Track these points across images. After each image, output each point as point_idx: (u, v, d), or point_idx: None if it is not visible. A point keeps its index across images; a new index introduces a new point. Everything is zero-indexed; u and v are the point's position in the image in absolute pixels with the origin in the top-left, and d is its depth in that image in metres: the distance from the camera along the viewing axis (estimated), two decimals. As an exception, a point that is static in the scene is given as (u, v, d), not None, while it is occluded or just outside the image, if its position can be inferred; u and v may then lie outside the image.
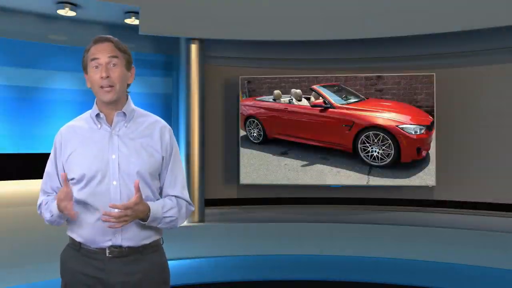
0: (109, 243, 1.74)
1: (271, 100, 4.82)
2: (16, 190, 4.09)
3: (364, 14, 4.38)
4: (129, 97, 1.85)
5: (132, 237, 1.75)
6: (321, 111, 4.71)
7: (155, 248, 1.83)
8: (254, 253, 4.55)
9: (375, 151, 4.60)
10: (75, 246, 1.79)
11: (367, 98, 4.68)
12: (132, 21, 4.42)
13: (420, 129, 4.53)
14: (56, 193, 1.82)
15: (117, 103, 1.79)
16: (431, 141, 4.55)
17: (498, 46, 4.49)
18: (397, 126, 4.53)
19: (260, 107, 4.84)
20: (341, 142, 4.69)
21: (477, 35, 4.40)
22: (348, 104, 4.67)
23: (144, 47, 4.84)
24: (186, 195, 1.88)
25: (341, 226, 4.64)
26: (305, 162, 4.79)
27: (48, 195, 1.86)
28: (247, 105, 4.85)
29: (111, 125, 1.79)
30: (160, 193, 1.87)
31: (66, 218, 1.79)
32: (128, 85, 1.83)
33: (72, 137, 1.81)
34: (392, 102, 4.62)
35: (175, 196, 1.85)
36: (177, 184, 1.86)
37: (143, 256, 1.78)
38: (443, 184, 4.66)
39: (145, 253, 1.79)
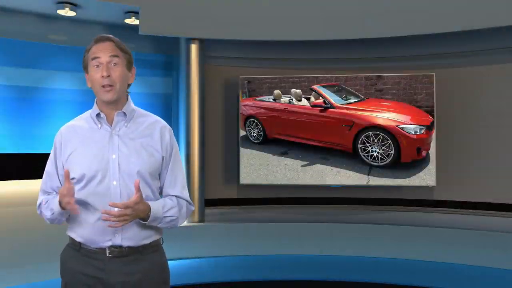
0: (109, 243, 1.74)
1: (271, 100, 4.82)
2: (16, 190, 4.09)
3: (364, 14, 4.38)
4: (129, 97, 1.85)
5: (132, 237, 1.75)
6: (321, 111, 4.71)
7: (155, 248, 1.83)
8: (254, 253, 4.55)
9: (375, 151, 4.60)
10: (75, 246, 1.79)
11: (367, 98, 4.68)
12: (132, 21, 4.42)
13: (420, 129, 4.53)
14: (56, 192, 1.82)
15: (117, 103, 1.79)
16: (431, 141, 4.55)
17: (498, 46, 4.49)
18: (397, 126, 4.53)
19: (260, 107, 4.84)
20: (341, 142, 4.69)
21: (477, 35, 4.40)
22: (348, 104, 4.67)
23: (144, 47, 4.84)
24: (186, 194, 1.88)
25: (341, 226, 4.64)
26: (305, 162, 4.79)
27: (48, 195, 1.86)
28: (247, 105, 4.85)
29: (111, 125, 1.79)
30: (160, 193, 1.87)
31: (67, 216, 1.79)
32: (129, 85, 1.84)
33: (72, 136, 1.80)
34: (392, 102, 4.62)
35: (176, 196, 1.85)
36: (177, 184, 1.86)
37: (143, 256, 1.78)
38: (443, 184, 4.66)
39: (145, 253, 1.79)
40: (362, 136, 4.62)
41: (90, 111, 1.84)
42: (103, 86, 1.73)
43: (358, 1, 4.41)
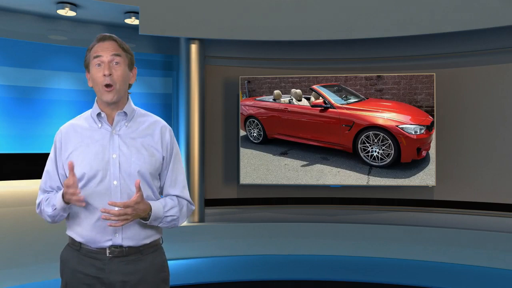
0: (109, 243, 1.74)
1: (271, 100, 4.82)
2: (16, 190, 4.09)
3: (364, 14, 4.39)
4: (129, 97, 1.85)
5: (132, 236, 1.75)
6: (321, 111, 4.71)
7: (155, 247, 1.83)
8: (254, 253, 4.55)
9: (375, 151, 4.60)
10: (75, 246, 1.79)
11: (367, 98, 4.68)
12: (132, 21, 4.42)
13: (420, 129, 4.53)
14: (56, 192, 1.81)
15: (118, 103, 1.79)
16: (431, 141, 4.55)
17: (498, 46, 4.49)
18: (397, 126, 4.53)
19: (260, 107, 4.84)
20: (341, 142, 4.69)
21: (477, 35, 4.41)
22: (348, 104, 4.67)
23: (144, 47, 4.84)
24: (186, 194, 1.88)
25: (341, 226, 4.65)
26: (305, 162, 4.79)
27: (47, 194, 1.85)
28: (247, 105, 4.85)
29: (111, 125, 1.79)
30: (161, 193, 1.87)
31: (69, 211, 1.77)
32: (130, 85, 1.83)
33: (73, 136, 1.80)
34: (392, 102, 4.62)
35: (176, 196, 1.85)
36: (177, 183, 1.86)
37: (143, 256, 1.78)
38: (443, 184, 4.66)
39: (145, 253, 1.79)
40: (362, 136, 4.62)
41: (90, 110, 1.83)
42: (106, 86, 1.72)
43: (358, 1, 4.41)
